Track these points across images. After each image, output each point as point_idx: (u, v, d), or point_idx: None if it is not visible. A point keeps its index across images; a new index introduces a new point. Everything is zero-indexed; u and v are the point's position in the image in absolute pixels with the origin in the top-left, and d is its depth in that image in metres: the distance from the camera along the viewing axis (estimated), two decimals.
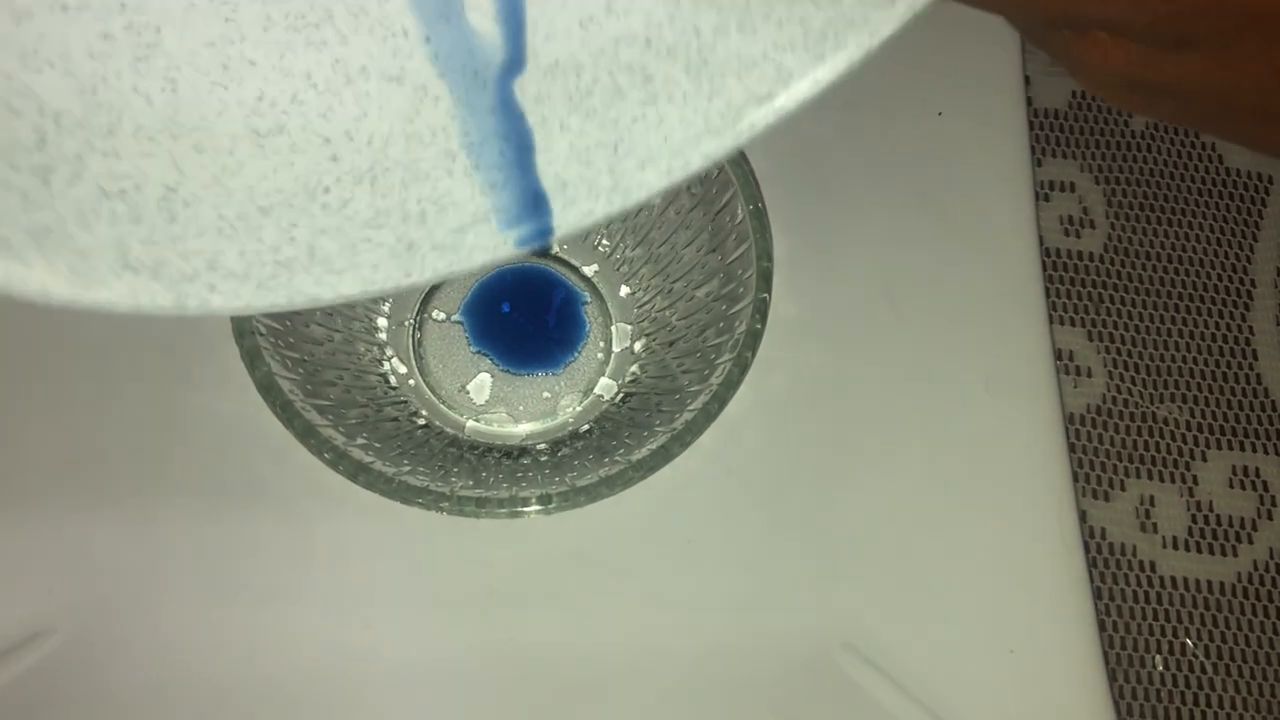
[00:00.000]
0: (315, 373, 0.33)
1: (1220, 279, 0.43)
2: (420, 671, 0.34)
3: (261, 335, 0.31)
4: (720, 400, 0.31)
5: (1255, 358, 0.42)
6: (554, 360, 0.37)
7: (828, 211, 0.38)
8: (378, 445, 0.32)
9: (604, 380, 0.36)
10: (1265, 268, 0.43)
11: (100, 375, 0.36)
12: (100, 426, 0.35)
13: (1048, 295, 0.41)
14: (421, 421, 0.35)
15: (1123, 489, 0.40)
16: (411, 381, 0.36)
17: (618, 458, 0.32)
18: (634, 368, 0.36)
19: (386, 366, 0.36)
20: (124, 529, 0.34)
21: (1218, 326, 0.42)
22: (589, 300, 0.37)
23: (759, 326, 0.32)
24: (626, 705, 0.34)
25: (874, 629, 0.34)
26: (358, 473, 0.30)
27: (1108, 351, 0.42)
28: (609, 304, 0.37)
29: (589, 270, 0.38)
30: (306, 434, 0.30)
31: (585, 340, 0.37)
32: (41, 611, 0.34)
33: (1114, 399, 0.41)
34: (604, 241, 0.38)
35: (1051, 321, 0.40)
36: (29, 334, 0.36)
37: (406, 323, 0.37)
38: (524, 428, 0.36)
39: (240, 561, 0.34)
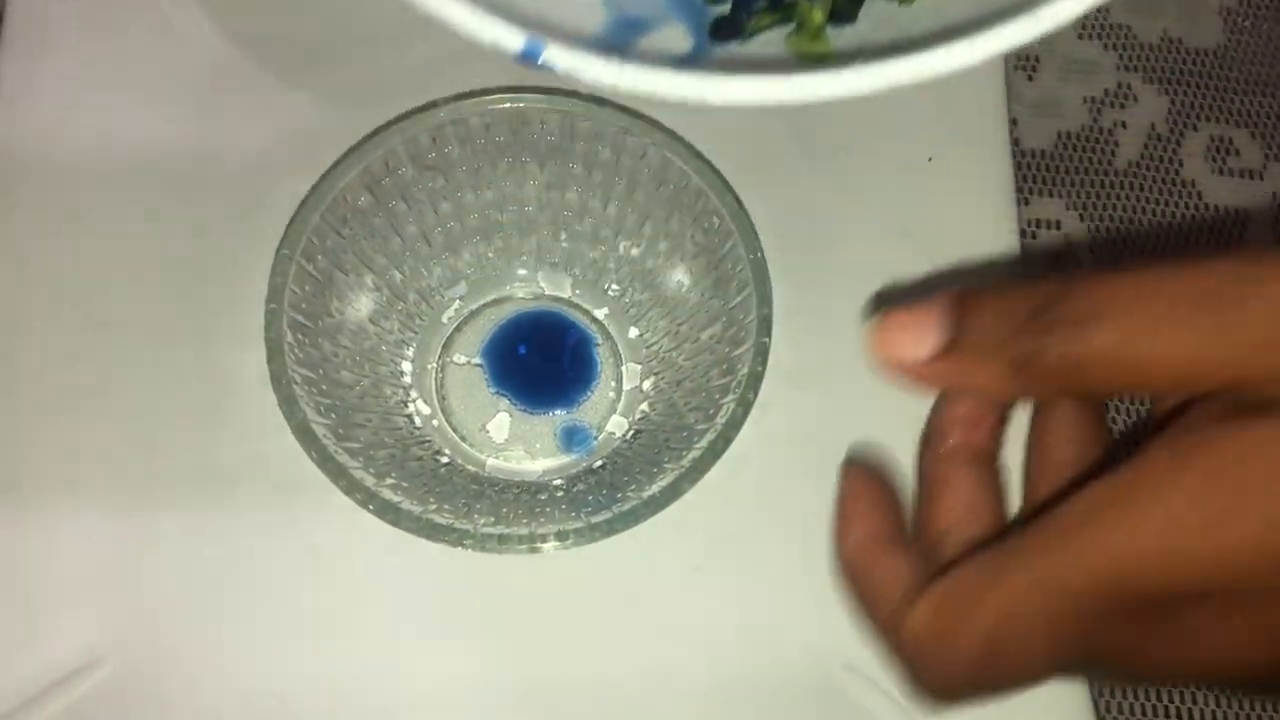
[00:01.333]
0: (346, 416, 0.35)
1: None
2: (443, 696, 0.36)
3: (297, 384, 0.34)
4: (725, 439, 0.33)
5: None
6: (568, 399, 0.39)
7: (821, 257, 0.41)
8: (405, 485, 0.34)
9: (615, 418, 0.39)
10: None
11: (148, 414, 0.38)
12: (149, 468, 0.37)
13: None
14: (445, 460, 0.38)
15: None
16: (435, 422, 0.39)
17: (629, 493, 0.34)
18: (643, 406, 0.39)
19: (412, 408, 0.38)
20: (171, 562, 0.37)
21: None
22: (600, 342, 0.40)
23: (760, 369, 0.34)
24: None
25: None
26: (387, 511, 0.32)
27: None
28: (619, 345, 0.40)
29: (600, 313, 0.40)
30: (339, 475, 0.32)
31: (598, 380, 0.39)
32: (92, 641, 0.36)
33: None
34: (614, 286, 0.40)
35: None
36: (78, 374, 0.39)
37: (430, 366, 0.39)
38: (540, 464, 0.38)
39: (282, 594, 0.37)
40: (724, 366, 0.36)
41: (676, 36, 0.33)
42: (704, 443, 0.33)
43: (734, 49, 0.32)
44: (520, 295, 0.40)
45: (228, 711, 0.36)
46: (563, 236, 0.40)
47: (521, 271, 0.40)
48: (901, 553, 0.27)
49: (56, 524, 0.37)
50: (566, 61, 0.25)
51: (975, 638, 0.23)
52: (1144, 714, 0.40)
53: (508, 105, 0.36)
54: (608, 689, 0.37)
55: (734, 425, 0.33)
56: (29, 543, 0.37)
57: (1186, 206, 0.46)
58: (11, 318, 0.39)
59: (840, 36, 0.33)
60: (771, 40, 0.33)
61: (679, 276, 0.38)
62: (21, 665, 0.35)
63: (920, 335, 0.24)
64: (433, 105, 0.36)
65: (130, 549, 0.37)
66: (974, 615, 0.23)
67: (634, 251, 0.39)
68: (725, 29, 0.33)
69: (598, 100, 0.37)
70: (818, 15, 0.32)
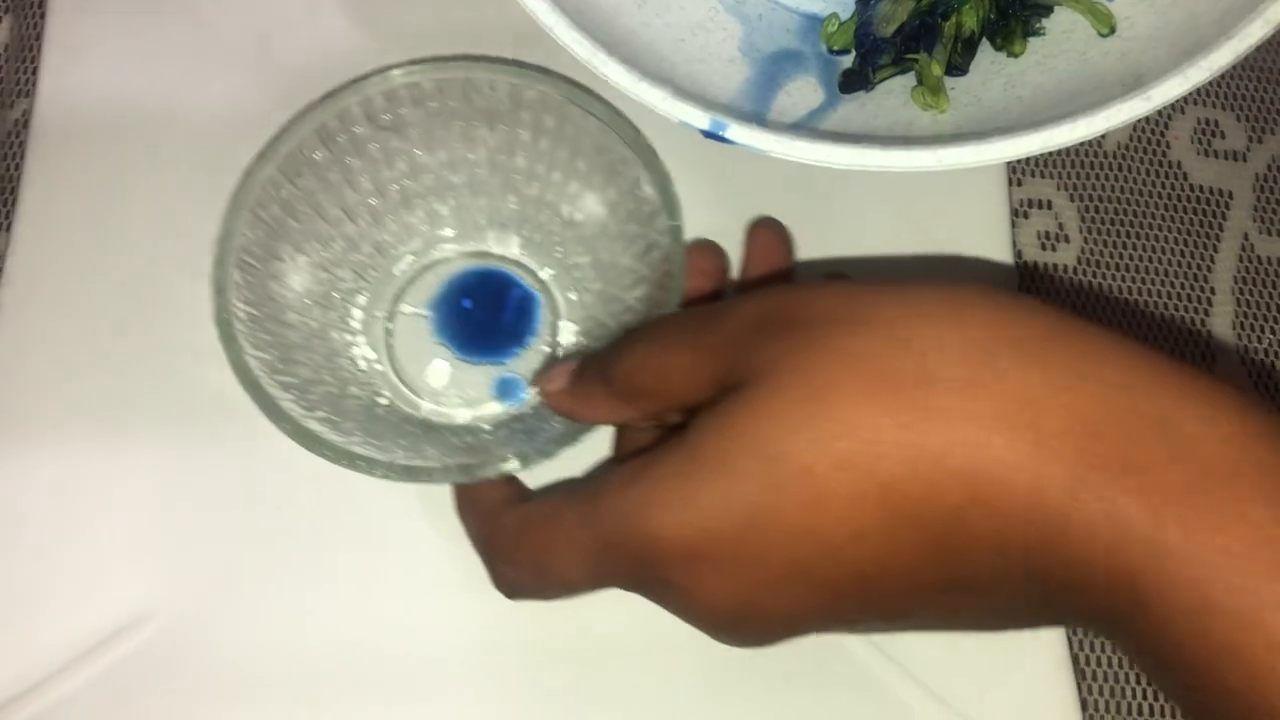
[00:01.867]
0: (287, 353, 0.38)
1: (1183, 287, 0.46)
2: (462, 650, 0.39)
3: (239, 320, 0.36)
4: None
5: (1214, 360, 0.46)
6: (506, 353, 0.41)
7: (816, 234, 0.42)
8: (335, 419, 0.37)
9: None
10: (1224, 277, 0.47)
11: (186, 396, 0.41)
12: (191, 441, 0.40)
13: None
14: (384, 401, 0.40)
15: None
16: (379, 366, 0.41)
17: (544, 437, 0.36)
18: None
19: (358, 352, 0.41)
20: (211, 524, 0.39)
21: (1180, 331, 0.46)
22: (542, 300, 0.42)
23: None
24: (660, 691, 0.38)
25: None
26: (306, 439, 0.35)
27: None
28: (559, 304, 0.42)
29: (544, 274, 0.42)
30: (268, 407, 0.35)
31: (535, 336, 0.42)
32: (141, 599, 0.38)
33: None
34: (559, 248, 0.42)
35: None
36: (126, 349, 0.41)
37: (379, 315, 0.42)
38: (473, 411, 0.41)
39: (317, 553, 0.39)
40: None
41: (808, 89, 0.36)
42: None
43: (861, 97, 0.35)
44: (470, 252, 0.43)
45: (265, 663, 0.38)
46: (511, 199, 0.42)
47: (472, 230, 0.43)
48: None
49: (106, 489, 0.39)
50: (744, 137, 0.29)
51: (534, 553, 0.31)
52: (1120, 665, 0.41)
53: (459, 73, 0.39)
54: (617, 653, 0.39)
55: None
56: (80, 508, 0.39)
57: (1173, 187, 0.47)
58: (51, 279, 0.42)
59: (953, 88, 0.36)
60: (892, 88, 0.35)
61: (614, 243, 0.40)
62: (75, 622, 0.38)
63: (557, 378, 0.34)
64: (388, 69, 0.39)
65: (173, 513, 0.39)
66: (535, 537, 0.31)
67: (577, 217, 0.41)
68: (853, 82, 0.36)
69: (543, 71, 0.39)
70: (936, 69, 0.35)
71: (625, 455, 0.36)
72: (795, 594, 0.27)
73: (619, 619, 0.38)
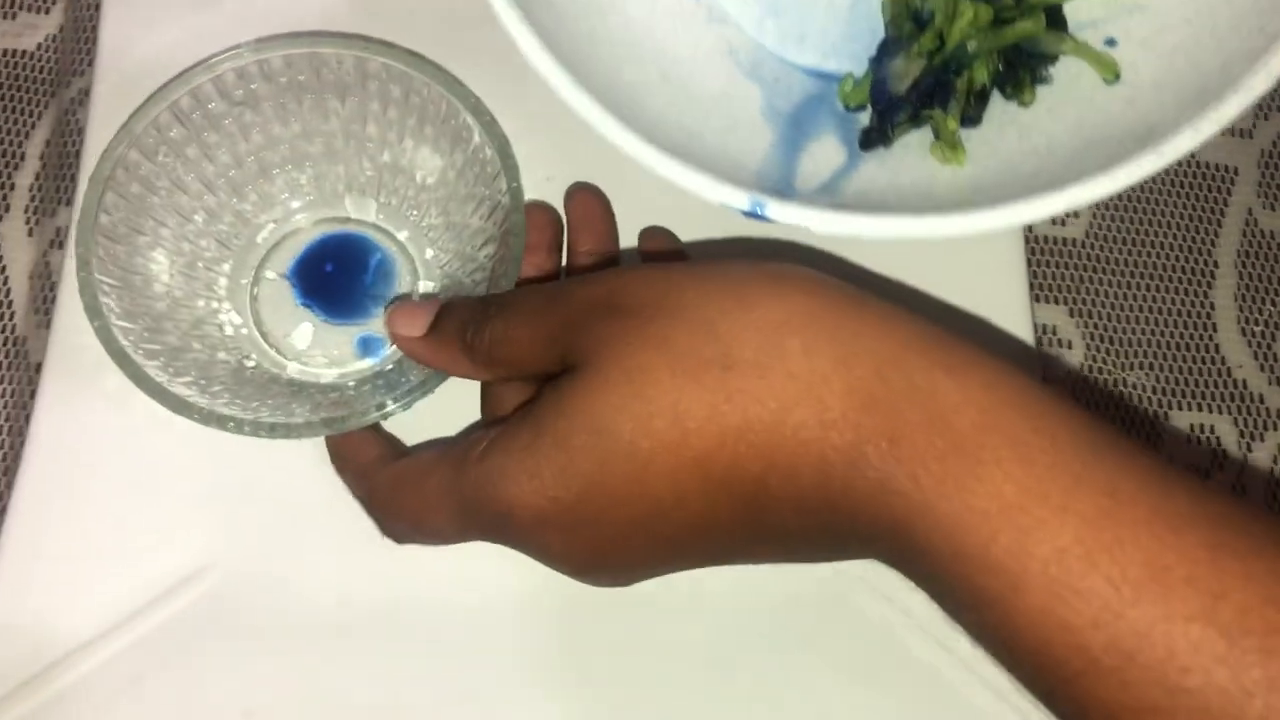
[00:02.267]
0: (155, 323, 0.40)
1: (1187, 260, 0.49)
2: (498, 603, 0.41)
3: (104, 293, 0.38)
4: None
5: (1215, 330, 0.49)
6: (367, 313, 0.44)
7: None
8: (202, 382, 0.39)
9: None
10: (1227, 250, 0.49)
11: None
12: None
13: (1033, 276, 0.47)
14: (251, 364, 0.42)
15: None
16: (245, 330, 0.43)
17: (403, 389, 0.39)
18: None
19: (224, 318, 0.43)
20: (270, 483, 0.42)
21: (1183, 302, 0.49)
22: (401, 261, 0.44)
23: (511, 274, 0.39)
24: (671, 631, 0.41)
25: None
26: (173, 403, 0.37)
27: (1086, 326, 0.48)
28: (417, 264, 0.44)
29: (401, 235, 0.45)
30: (135, 375, 0.37)
31: (394, 296, 0.44)
32: (203, 550, 0.41)
33: (1090, 367, 0.47)
34: (413, 211, 0.44)
35: (1035, 300, 0.47)
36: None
37: (244, 281, 0.44)
38: (337, 370, 0.43)
39: (360, 510, 0.40)
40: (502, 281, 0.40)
41: (830, 148, 0.37)
42: None
43: (881, 153, 0.37)
44: (330, 218, 0.45)
45: (314, 611, 0.41)
46: (366, 166, 0.44)
47: (331, 196, 0.45)
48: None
49: (169, 449, 0.41)
50: (781, 214, 0.31)
51: (409, 510, 0.34)
52: None
53: (306, 49, 0.41)
54: (634, 599, 0.41)
55: None
56: (151, 468, 0.41)
57: (1180, 163, 0.49)
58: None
59: (969, 139, 0.38)
60: (909, 143, 0.37)
61: (463, 205, 0.43)
62: (147, 570, 0.40)
63: (413, 322, 0.36)
64: (237, 47, 0.41)
65: (234, 473, 0.41)
66: (408, 495, 0.34)
67: (429, 181, 0.44)
68: (872, 139, 0.37)
69: (386, 44, 0.41)
70: (951, 123, 0.37)
71: (490, 417, 0.38)
72: (637, 546, 0.31)
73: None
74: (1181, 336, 0.48)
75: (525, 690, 0.41)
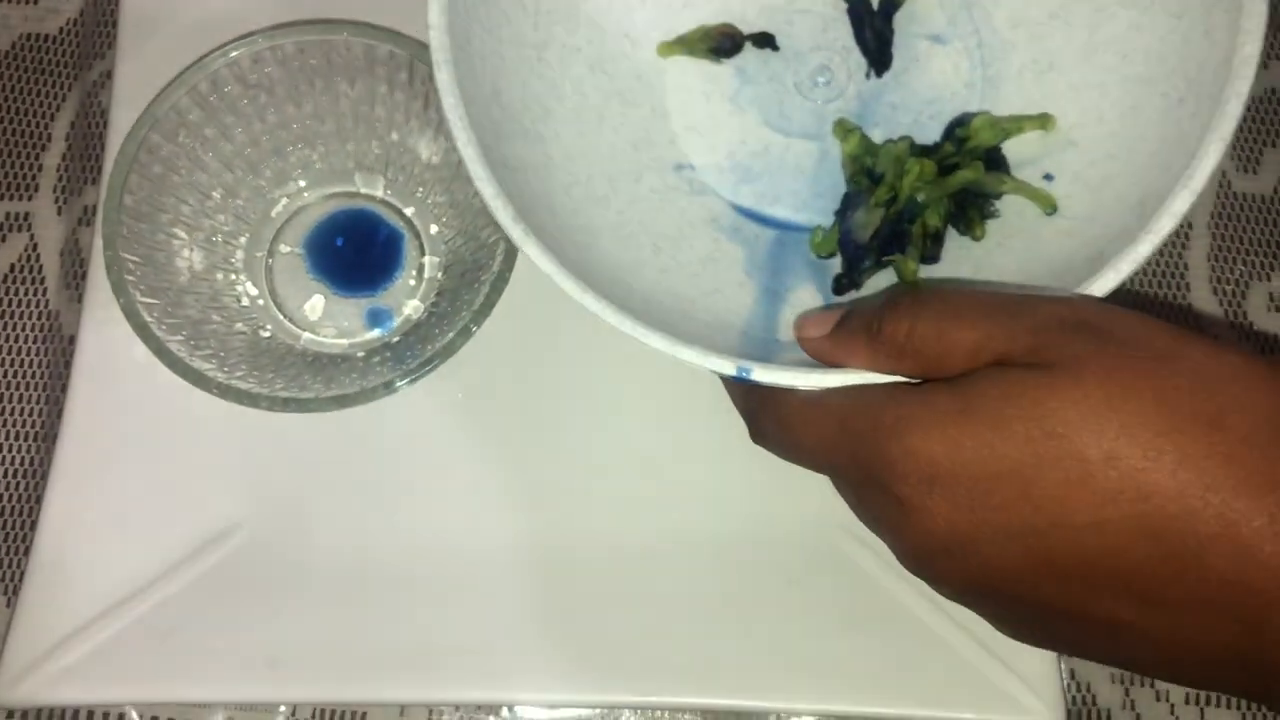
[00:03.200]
0: (176, 297, 0.43)
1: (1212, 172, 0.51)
2: (508, 555, 0.44)
3: (129, 272, 0.41)
4: (469, 332, 0.41)
5: (1189, 289, 0.51)
6: (376, 285, 0.46)
7: None
8: (222, 354, 0.42)
9: (413, 302, 0.46)
10: (1202, 212, 0.52)
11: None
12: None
13: None
14: (266, 334, 0.45)
15: None
16: (261, 302, 0.46)
17: (412, 361, 0.41)
18: (433, 294, 0.46)
19: (240, 289, 0.46)
20: (290, 448, 0.45)
21: (1159, 263, 0.51)
22: (407, 236, 0.47)
23: (506, 269, 0.41)
24: (669, 579, 0.44)
25: None
26: (199, 381, 0.40)
27: None
28: (423, 239, 0.47)
29: (408, 211, 0.47)
30: (160, 351, 0.40)
31: (402, 269, 0.46)
32: (233, 510, 0.44)
33: None
34: (420, 189, 0.47)
35: None
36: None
37: (259, 254, 0.46)
38: (347, 340, 0.46)
39: (379, 470, 0.45)
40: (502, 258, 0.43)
41: (808, 295, 0.40)
42: (456, 327, 0.41)
43: (854, 295, 0.40)
44: (340, 193, 0.47)
45: (335, 564, 0.44)
46: (375, 145, 0.46)
47: (341, 173, 0.47)
48: None
49: (203, 417, 0.43)
50: (766, 376, 0.33)
51: (787, 419, 0.34)
52: None
53: (317, 35, 0.43)
54: (630, 549, 0.45)
55: (485, 311, 0.41)
56: (181, 433, 0.44)
57: None
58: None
59: (932, 275, 0.40)
60: (878, 283, 0.40)
61: (467, 184, 0.45)
62: (179, 529, 0.44)
63: (820, 324, 0.35)
64: (252, 35, 0.43)
65: (257, 437, 0.44)
66: (792, 406, 0.34)
67: (434, 160, 0.46)
68: (844, 285, 0.40)
69: (393, 32, 0.43)
70: (911, 264, 0.39)
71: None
72: (1009, 551, 0.29)
73: (626, 521, 0.45)
74: (1157, 294, 0.50)
75: (522, 630, 0.44)
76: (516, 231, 0.34)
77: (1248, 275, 0.51)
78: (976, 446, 0.29)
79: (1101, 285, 0.33)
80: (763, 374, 0.33)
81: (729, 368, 0.33)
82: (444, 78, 0.35)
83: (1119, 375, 0.28)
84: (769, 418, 0.35)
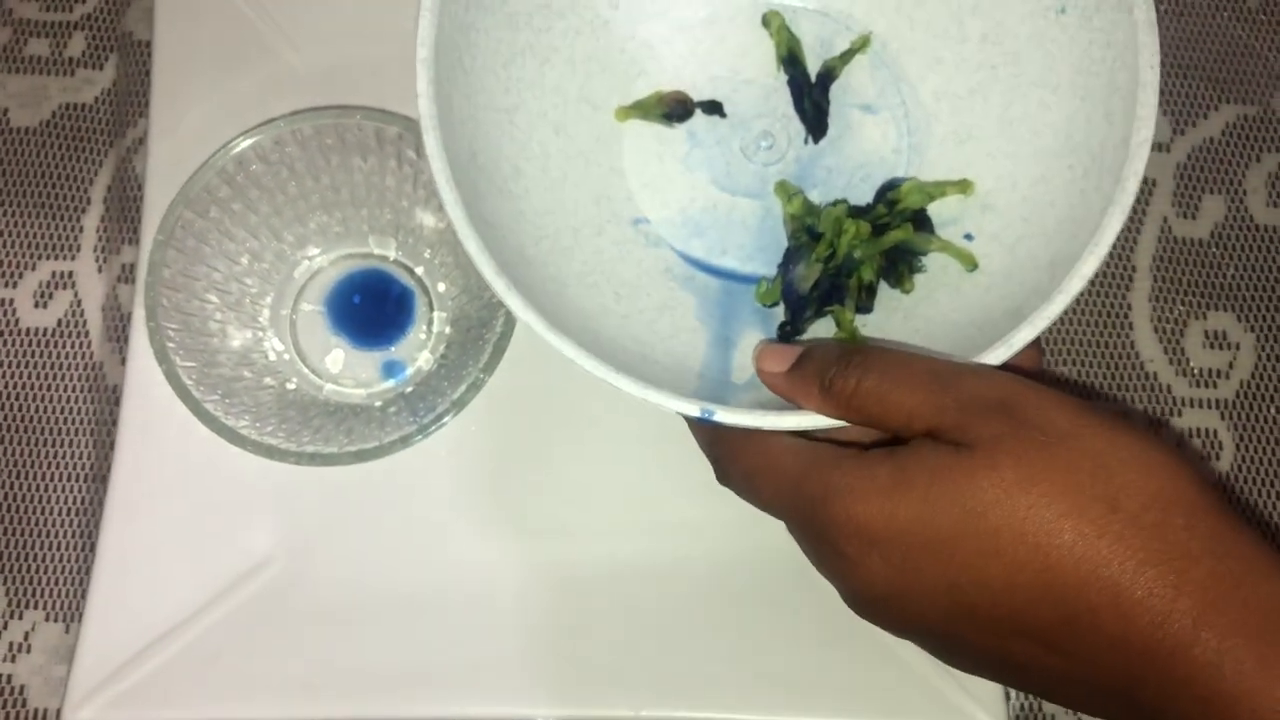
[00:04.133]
0: (211, 357, 0.47)
1: (1109, 265, 0.55)
2: (513, 585, 0.50)
3: (169, 339, 0.46)
4: (478, 385, 0.45)
5: (1131, 328, 0.55)
6: (390, 339, 0.51)
7: None
8: (255, 410, 0.47)
9: (424, 354, 0.51)
10: (1145, 255, 0.56)
11: None
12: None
13: None
14: (292, 386, 0.50)
15: None
16: (287, 356, 0.51)
17: (420, 414, 0.46)
18: (442, 347, 0.51)
19: (267, 345, 0.51)
20: (315, 489, 0.50)
21: (1104, 303, 0.56)
22: (418, 294, 0.52)
23: (509, 328, 0.46)
24: (657, 603, 0.50)
25: None
26: (235, 439, 0.45)
27: None
28: (432, 296, 0.52)
29: (418, 270, 0.52)
30: (198, 412, 0.45)
31: (413, 324, 0.51)
32: (266, 547, 0.49)
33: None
34: (428, 250, 0.52)
35: None
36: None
37: (283, 312, 0.51)
38: (364, 390, 0.51)
39: (400, 507, 0.50)
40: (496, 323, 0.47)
41: (756, 340, 0.44)
42: (467, 383, 0.46)
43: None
44: (356, 254, 0.52)
45: (359, 594, 0.49)
46: (386, 211, 0.51)
47: (357, 236, 0.52)
48: None
49: (238, 462, 0.47)
50: (729, 418, 0.37)
51: (749, 470, 0.39)
52: None
53: (331, 120, 0.48)
54: (628, 572, 0.50)
55: (489, 369, 0.46)
56: (219, 476, 0.49)
57: None
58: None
59: (865, 324, 0.45)
60: (817, 330, 0.45)
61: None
62: (220, 564, 0.49)
63: (779, 359, 0.39)
64: (273, 120, 0.47)
65: (288, 480, 0.49)
66: (754, 458, 0.38)
67: (441, 225, 0.51)
68: (787, 332, 0.45)
69: (401, 116, 0.48)
70: (848, 315, 0.44)
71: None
72: (938, 604, 0.34)
73: (633, 550, 0.50)
74: (1101, 335, 0.55)
75: (532, 654, 0.49)
76: (499, 285, 0.38)
77: (1186, 315, 0.55)
78: (909, 519, 0.34)
79: (1021, 339, 0.38)
80: (725, 415, 0.38)
81: (694, 409, 0.38)
82: (432, 141, 0.39)
83: (1029, 458, 0.33)
84: (733, 469, 0.40)
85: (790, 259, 0.46)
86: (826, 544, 0.36)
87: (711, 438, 0.41)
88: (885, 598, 0.36)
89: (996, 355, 0.38)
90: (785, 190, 0.46)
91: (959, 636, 0.35)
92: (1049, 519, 0.32)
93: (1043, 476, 0.33)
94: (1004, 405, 0.34)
